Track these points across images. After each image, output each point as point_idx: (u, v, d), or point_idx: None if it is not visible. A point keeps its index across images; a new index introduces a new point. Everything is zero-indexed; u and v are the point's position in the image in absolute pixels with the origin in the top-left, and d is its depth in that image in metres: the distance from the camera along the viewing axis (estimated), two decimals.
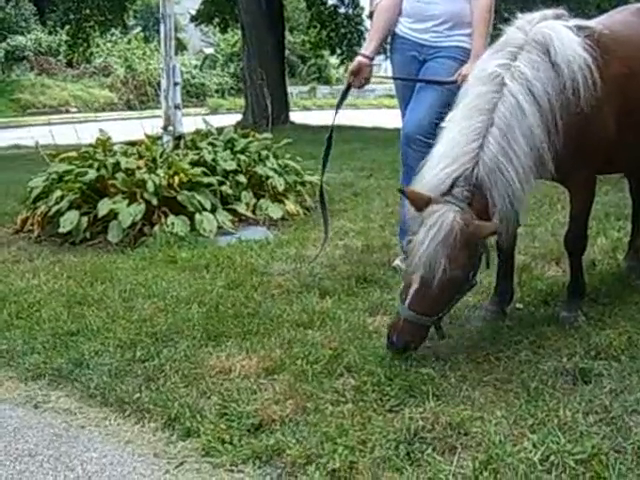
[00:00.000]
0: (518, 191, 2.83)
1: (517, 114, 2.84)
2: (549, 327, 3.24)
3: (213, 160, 5.76)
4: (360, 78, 4.10)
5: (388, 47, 4.46)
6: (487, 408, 2.55)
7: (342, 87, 4.48)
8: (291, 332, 3.24)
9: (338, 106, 4.18)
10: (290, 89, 19.37)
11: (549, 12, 3.17)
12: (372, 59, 4.13)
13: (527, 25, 3.06)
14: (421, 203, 2.83)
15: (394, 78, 4.35)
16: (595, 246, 4.46)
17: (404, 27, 4.16)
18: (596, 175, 3.36)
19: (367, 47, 4.20)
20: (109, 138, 6.19)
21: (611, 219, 5.17)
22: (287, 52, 22.79)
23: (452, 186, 2.80)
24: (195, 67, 34.79)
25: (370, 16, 4.41)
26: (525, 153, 2.84)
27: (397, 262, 4.11)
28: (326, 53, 27.07)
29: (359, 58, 4.13)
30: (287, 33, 24.88)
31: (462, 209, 2.76)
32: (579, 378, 2.75)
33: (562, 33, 3.00)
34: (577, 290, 3.44)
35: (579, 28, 3.09)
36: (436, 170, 2.86)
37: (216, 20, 21.02)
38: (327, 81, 37.64)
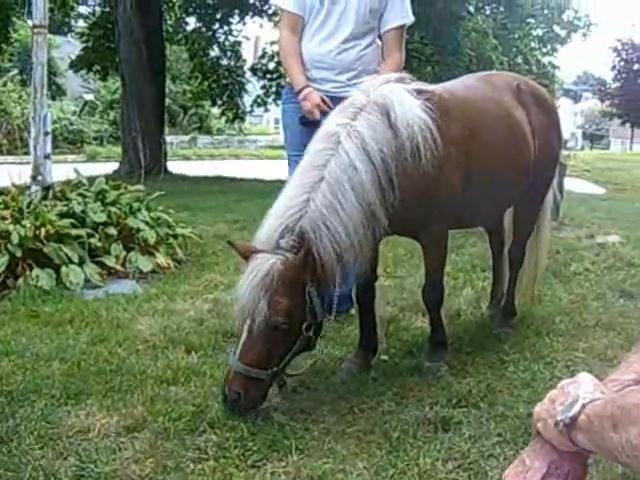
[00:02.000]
0: (345, 244, 2.88)
1: (348, 170, 2.90)
2: (413, 377, 3.32)
3: (83, 212, 5.60)
4: (323, 105, 3.77)
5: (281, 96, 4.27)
6: (349, 460, 2.57)
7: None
8: (155, 389, 3.15)
9: None
10: (170, 138, 19.26)
11: (392, 76, 3.30)
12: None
13: (370, 87, 3.16)
14: (248, 253, 2.87)
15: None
16: (461, 297, 4.62)
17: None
18: (448, 231, 3.46)
19: (300, 81, 3.90)
20: None
21: (477, 270, 5.39)
22: (169, 101, 22.66)
23: (280, 238, 2.84)
24: (74, 113, 34.04)
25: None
26: (355, 208, 2.89)
27: None
28: (207, 103, 27.15)
29: (310, 91, 3.82)
30: (169, 82, 24.78)
31: (287, 257, 2.78)
32: (440, 426, 2.83)
33: (402, 96, 3.10)
34: (439, 341, 3.53)
35: (419, 92, 3.20)
36: (268, 224, 2.91)
37: (96, 67, 20.65)
38: (208, 131, 37.75)
